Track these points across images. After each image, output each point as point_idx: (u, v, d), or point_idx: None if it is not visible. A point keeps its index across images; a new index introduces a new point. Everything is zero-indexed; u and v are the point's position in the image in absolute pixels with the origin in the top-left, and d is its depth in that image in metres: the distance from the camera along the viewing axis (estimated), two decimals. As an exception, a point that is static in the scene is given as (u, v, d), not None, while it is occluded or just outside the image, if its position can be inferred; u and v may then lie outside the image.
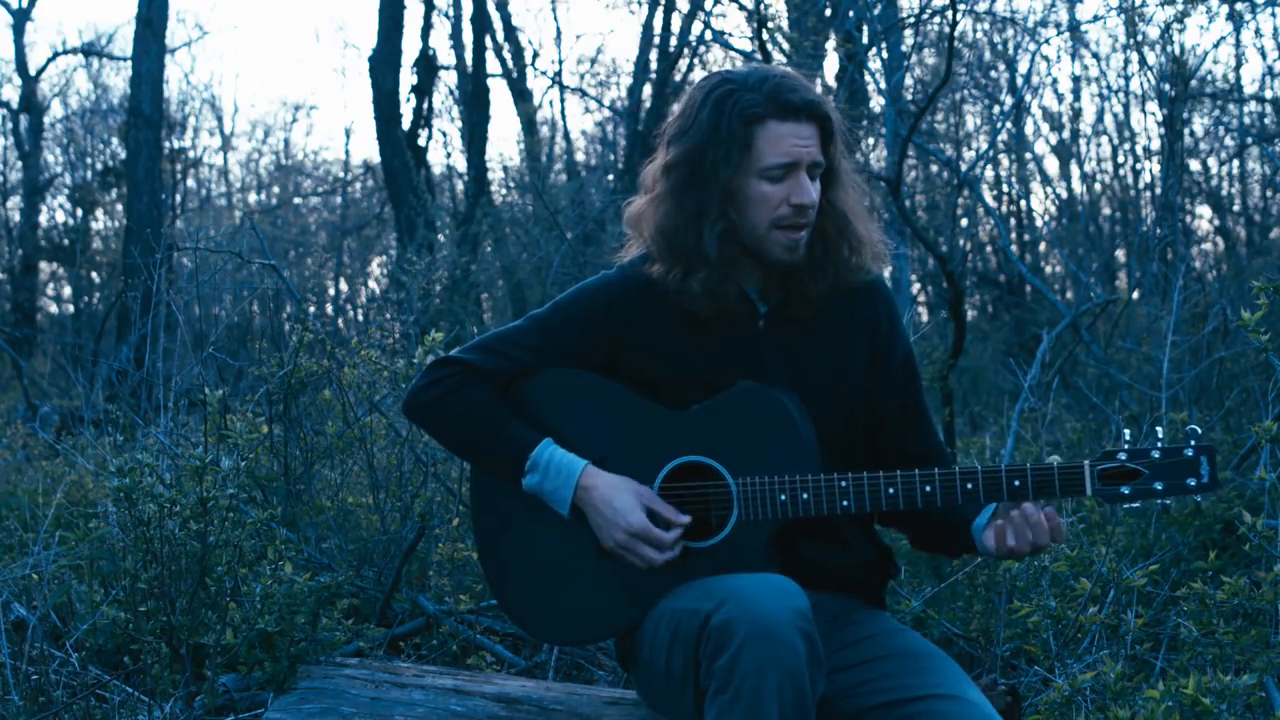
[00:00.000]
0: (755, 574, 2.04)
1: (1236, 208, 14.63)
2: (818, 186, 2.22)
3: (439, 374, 2.34)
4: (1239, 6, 9.09)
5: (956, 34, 7.14)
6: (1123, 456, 2.09)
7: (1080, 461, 2.11)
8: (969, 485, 2.12)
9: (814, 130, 2.19)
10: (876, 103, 9.67)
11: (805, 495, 2.15)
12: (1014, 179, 15.86)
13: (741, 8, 11.07)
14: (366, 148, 32.68)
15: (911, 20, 8.50)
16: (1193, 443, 2.08)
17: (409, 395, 2.38)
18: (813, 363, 2.28)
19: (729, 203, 2.20)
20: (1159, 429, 2.14)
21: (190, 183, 22.92)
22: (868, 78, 8.47)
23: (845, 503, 2.14)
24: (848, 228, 2.26)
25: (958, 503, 2.14)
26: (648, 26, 15.59)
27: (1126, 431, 2.21)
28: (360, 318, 16.32)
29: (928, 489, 2.13)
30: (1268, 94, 11.91)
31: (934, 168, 13.30)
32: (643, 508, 2.18)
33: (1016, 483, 2.11)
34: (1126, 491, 2.09)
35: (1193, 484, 2.07)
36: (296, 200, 22.99)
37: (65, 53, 22.79)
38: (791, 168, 2.18)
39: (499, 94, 38.82)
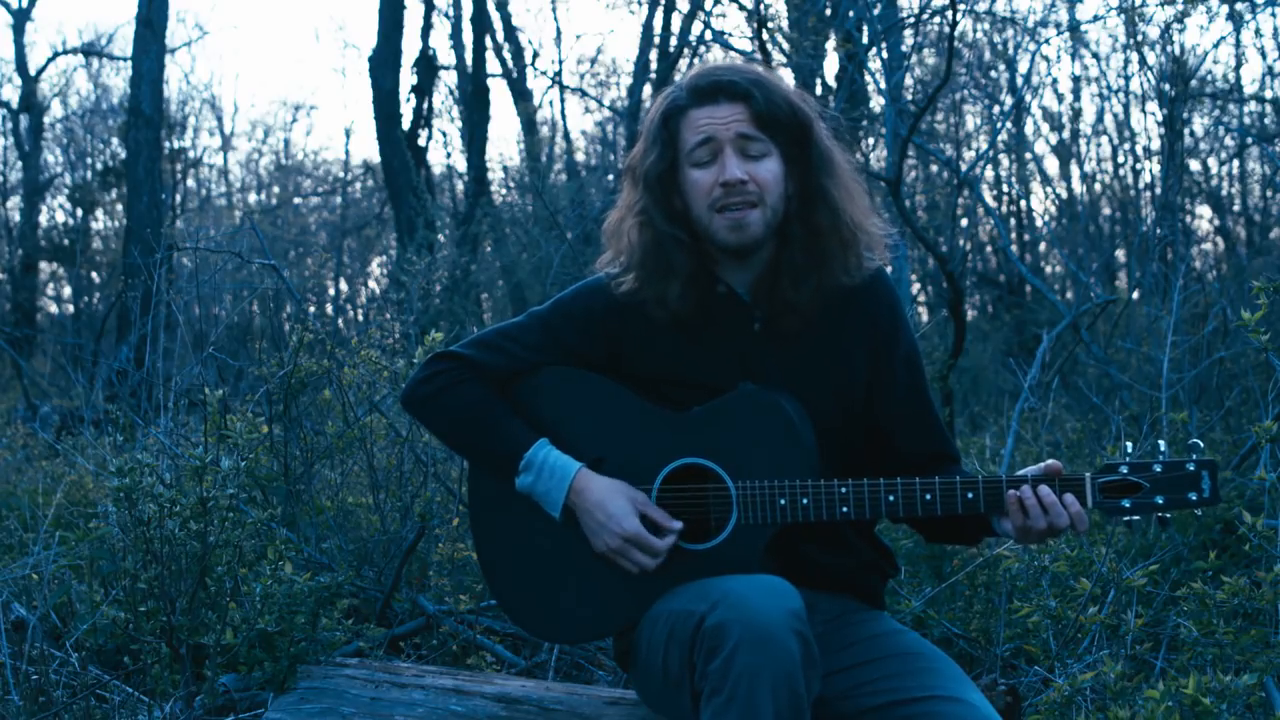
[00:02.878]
0: (750, 575, 2.03)
1: (1236, 208, 14.61)
2: (768, 165, 2.17)
3: (437, 368, 2.34)
4: (1239, 6, 9.09)
5: (956, 34, 7.14)
6: (1124, 470, 2.09)
7: (1082, 474, 2.10)
8: (969, 495, 2.11)
9: (737, 109, 2.15)
10: (876, 103, 9.68)
11: (805, 500, 2.14)
12: (1014, 179, 15.86)
13: (741, 8, 11.06)
14: (366, 148, 32.72)
15: (911, 20, 8.50)
16: (1195, 456, 2.08)
17: (407, 388, 2.38)
18: (810, 363, 2.25)
19: (675, 201, 2.21)
20: (1161, 442, 2.14)
21: (190, 183, 22.94)
22: (868, 78, 8.48)
23: (845, 509, 2.14)
24: (838, 219, 2.20)
25: (958, 512, 2.12)
26: (648, 26, 15.61)
27: (1129, 444, 2.21)
28: (360, 318, 16.32)
29: (928, 497, 2.12)
30: (1268, 94, 11.91)
31: (934, 168, 13.29)
32: (637, 513, 2.17)
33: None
34: (1127, 504, 2.09)
35: (1194, 498, 2.08)
36: (296, 200, 22.99)
37: (65, 53, 22.79)
38: (712, 146, 2.16)
39: (499, 94, 38.83)
